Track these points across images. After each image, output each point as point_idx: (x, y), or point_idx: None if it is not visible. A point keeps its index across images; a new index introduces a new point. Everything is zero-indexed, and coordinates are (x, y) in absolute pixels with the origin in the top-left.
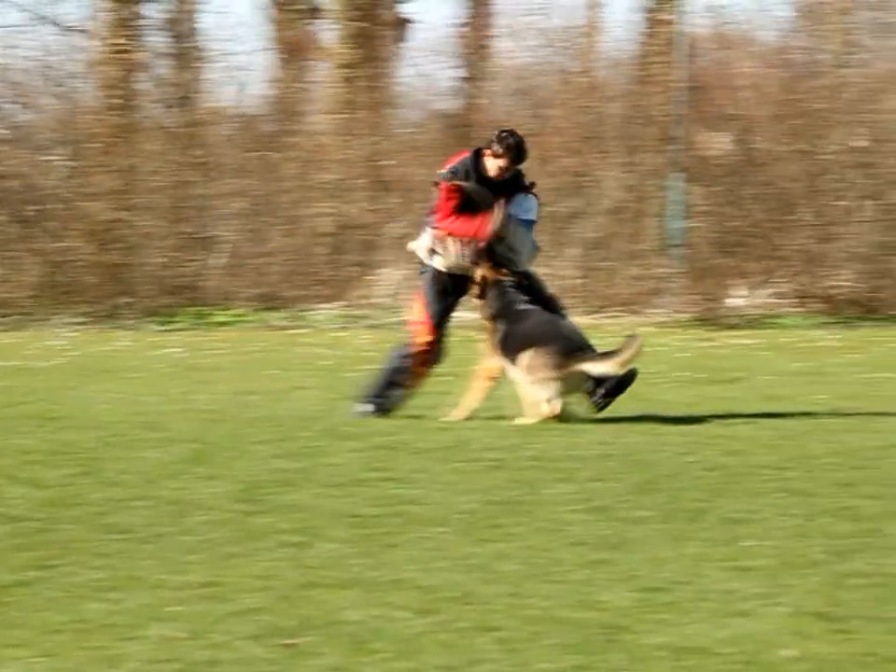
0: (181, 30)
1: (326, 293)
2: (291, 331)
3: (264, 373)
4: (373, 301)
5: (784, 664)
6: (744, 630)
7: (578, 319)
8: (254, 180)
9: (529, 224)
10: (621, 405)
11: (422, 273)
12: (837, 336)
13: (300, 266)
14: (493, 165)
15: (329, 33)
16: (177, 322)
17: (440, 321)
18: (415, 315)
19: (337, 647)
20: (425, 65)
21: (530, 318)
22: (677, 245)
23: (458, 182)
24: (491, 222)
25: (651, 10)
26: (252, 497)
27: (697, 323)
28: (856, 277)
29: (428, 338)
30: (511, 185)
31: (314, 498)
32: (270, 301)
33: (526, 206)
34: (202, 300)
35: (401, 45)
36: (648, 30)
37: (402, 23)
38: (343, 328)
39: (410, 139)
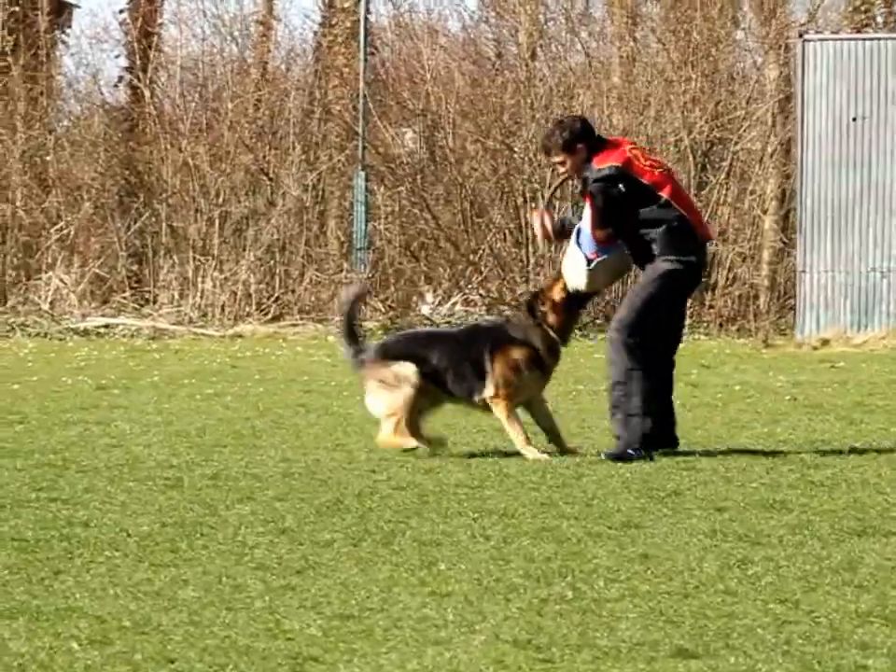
0: None
1: None
2: None
3: None
4: (37, 307)
5: None
6: (441, 660)
7: (256, 328)
8: None
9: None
10: (303, 419)
11: None
12: None
13: None
14: None
15: None
16: None
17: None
18: None
19: None
20: (88, 54)
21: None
22: (361, 249)
23: None
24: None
25: None
26: None
27: (385, 331)
28: None
29: None
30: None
31: None
32: None
33: (584, 218)
34: None
35: (62, 32)
36: (327, 19)
37: (63, 8)
38: (3, 336)
39: (73, 133)
